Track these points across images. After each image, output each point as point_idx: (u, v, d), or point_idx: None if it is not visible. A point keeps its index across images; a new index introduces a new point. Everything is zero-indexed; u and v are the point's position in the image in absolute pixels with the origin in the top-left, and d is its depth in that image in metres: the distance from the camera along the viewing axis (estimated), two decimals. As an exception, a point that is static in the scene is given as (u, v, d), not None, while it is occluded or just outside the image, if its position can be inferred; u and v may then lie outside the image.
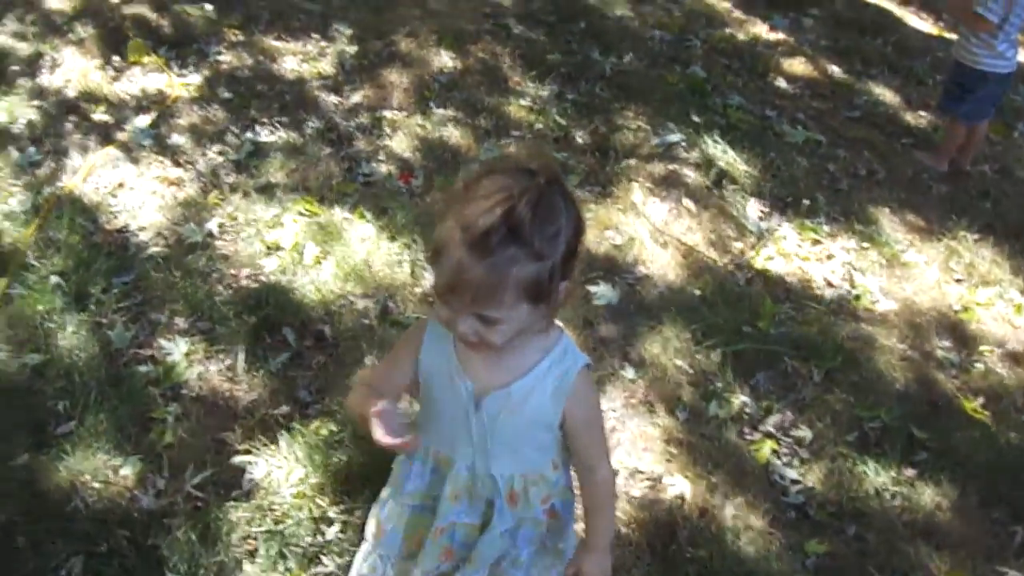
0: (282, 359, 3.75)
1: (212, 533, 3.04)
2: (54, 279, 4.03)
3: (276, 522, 3.09)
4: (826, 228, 4.88)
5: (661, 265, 4.46)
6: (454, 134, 5.34)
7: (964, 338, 4.30)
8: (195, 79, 5.71)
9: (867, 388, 3.90)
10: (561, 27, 6.58)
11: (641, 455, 3.48)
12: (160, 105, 5.42)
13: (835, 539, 3.27)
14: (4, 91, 5.47)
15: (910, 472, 3.54)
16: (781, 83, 6.41)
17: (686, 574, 3.07)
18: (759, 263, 4.58)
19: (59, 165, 4.89)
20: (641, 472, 3.40)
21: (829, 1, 7.73)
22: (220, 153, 5.05)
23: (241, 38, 6.14)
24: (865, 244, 4.81)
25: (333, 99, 5.59)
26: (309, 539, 3.05)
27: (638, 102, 5.73)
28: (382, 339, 3.83)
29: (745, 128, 5.61)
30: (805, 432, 3.67)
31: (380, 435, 1.85)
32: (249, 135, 5.20)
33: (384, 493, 2.38)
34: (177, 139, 5.15)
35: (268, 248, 4.34)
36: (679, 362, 3.90)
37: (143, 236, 4.41)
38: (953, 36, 6.15)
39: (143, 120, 5.28)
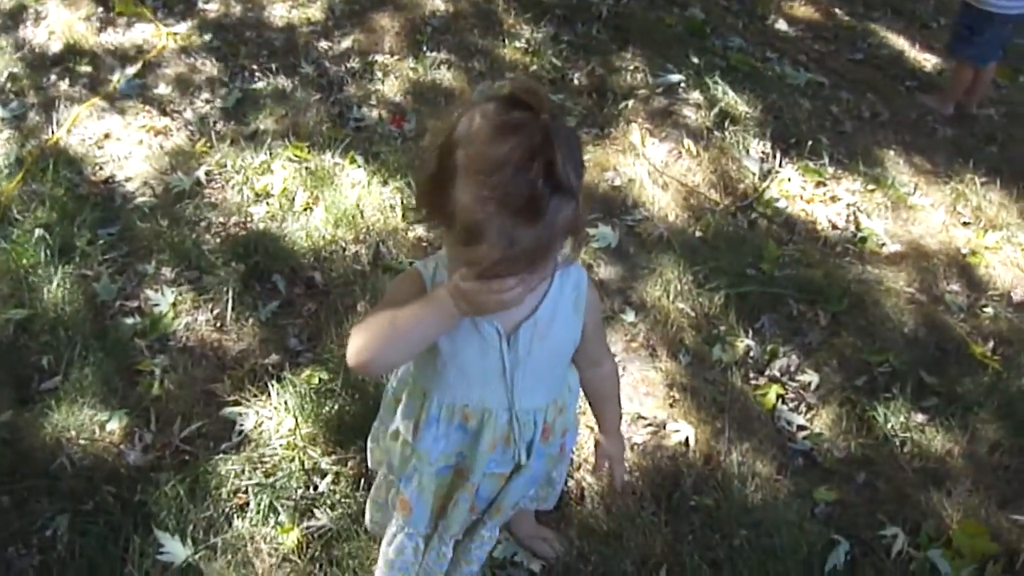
0: (272, 307, 3.67)
1: (201, 487, 2.98)
2: (38, 232, 3.94)
3: (267, 475, 3.02)
4: (830, 170, 4.78)
5: (661, 207, 4.37)
6: (447, 77, 5.23)
7: (972, 282, 4.22)
8: (182, 28, 5.60)
9: (874, 332, 3.83)
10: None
11: (643, 400, 3.40)
12: (147, 55, 5.30)
13: (844, 486, 3.20)
14: (-13, 45, 5.37)
15: (920, 418, 3.46)
16: (782, 25, 6.30)
17: (691, 523, 3.00)
18: (762, 205, 4.47)
19: (44, 118, 4.80)
20: (643, 418, 3.32)
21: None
22: (207, 102, 4.96)
23: (229, -15, 6.03)
24: (870, 186, 4.71)
25: (323, 44, 5.49)
26: (301, 491, 2.98)
27: (636, 44, 5.62)
28: (374, 285, 3.75)
29: (746, 70, 5.51)
30: (812, 377, 3.59)
31: (498, 295, 1.69)
32: (238, 83, 5.11)
33: (381, 429, 2.36)
34: (164, 89, 5.06)
35: (257, 195, 4.26)
36: (681, 305, 3.81)
37: (129, 186, 4.33)
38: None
39: (129, 71, 5.18)
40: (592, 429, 2.95)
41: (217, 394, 3.32)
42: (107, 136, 4.67)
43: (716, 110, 5.03)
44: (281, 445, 3.10)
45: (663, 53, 5.55)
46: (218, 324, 3.61)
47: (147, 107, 4.89)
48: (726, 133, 4.88)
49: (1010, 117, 5.66)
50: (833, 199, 4.60)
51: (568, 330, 2.02)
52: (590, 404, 2.41)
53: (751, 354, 3.66)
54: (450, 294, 1.71)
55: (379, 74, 5.23)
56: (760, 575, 2.88)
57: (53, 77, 5.13)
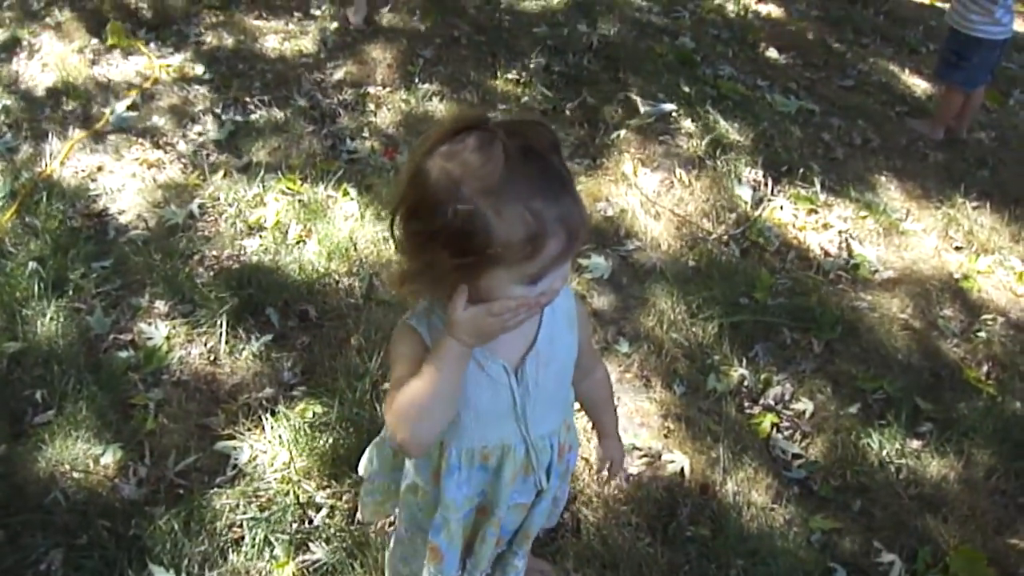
0: (265, 340, 3.66)
1: (196, 521, 2.96)
2: (32, 265, 3.94)
3: (261, 508, 3.00)
4: (822, 197, 4.79)
5: (654, 236, 4.38)
6: (439, 108, 5.26)
7: (966, 307, 4.22)
8: (175, 60, 5.63)
9: (868, 359, 3.83)
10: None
11: (638, 431, 3.39)
12: (140, 88, 5.31)
13: (840, 514, 3.19)
14: (-20, 78, 5.38)
15: (915, 444, 3.46)
16: (772, 53, 6.35)
17: (687, 553, 2.99)
18: (754, 233, 4.47)
19: (37, 150, 4.81)
20: (638, 449, 3.31)
21: (819, -30, 7.64)
22: (201, 134, 4.97)
23: (221, 18, 6.08)
24: (862, 212, 4.73)
25: (315, 76, 5.52)
26: (296, 525, 2.96)
27: (627, 74, 5.64)
28: (368, 318, 3.75)
29: (736, 98, 5.54)
30: (806, 405, 3.59)
31: (520, 312, 1.71)
32: (231, 115, 5.12)
33: (379, 485, 2.34)
34: (157, 121, 5.07)
35: (250, 228, 4.26)
36: (674, 335, 3.81)
37: (123, 219, 4.33)
38: (945, 5, 6.08)
39: (122, 103, 5.19)
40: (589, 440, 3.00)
41: (211, 428, 3.30)
42: (100, 169, 4.68)
43: (707, 139, 5.05)
44: (276, 479, 3.09)
45: (654, 83, 5.58)
46: (212, 358, 3.59)
47: (140, 140, 4.90)
48: (718, 162, 4.90)
49: (1000, 141, 5.69)
50: (825, 226, 4.60)
51: (567, 349, 2.02)
52: (587, 412, 2.44)
53: (745, 383, 3.65)
54: (451, 333, 1.71)
55: (371, 106, 5.25)
56: (757, 605, 2.88)
57: (47, 110, 5.16)
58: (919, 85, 6.20)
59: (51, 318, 3.69)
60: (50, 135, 4.89)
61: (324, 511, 3.00)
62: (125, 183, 4.56)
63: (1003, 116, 6.00)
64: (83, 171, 4.66)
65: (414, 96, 5.32)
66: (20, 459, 3.15)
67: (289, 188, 4.48)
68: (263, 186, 4.51)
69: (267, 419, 3.29)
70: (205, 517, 2.97)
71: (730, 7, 6.87)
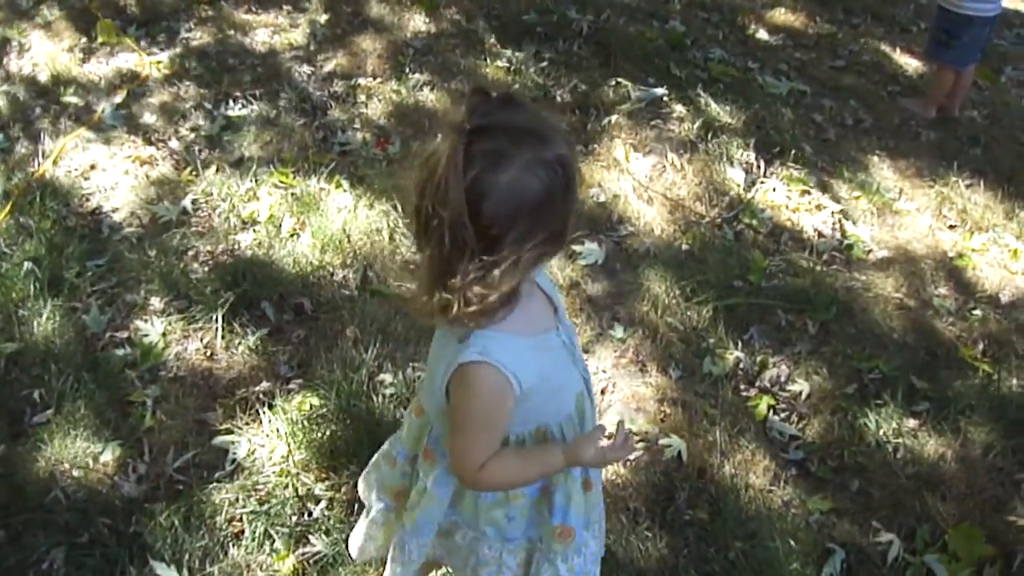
0: (261, 334, 3.66)
1: (196, 516, 2.97)
2: (27, 265, 3.95)
3: (261, 502, 3.01)
4: (815, 178, 4.78)
5: (647, 221, 4.38)
6: (430, 98, 5.25)
7: (960, 285, 4.22)
8: (165, 57, 5.61)
9: (864, 339, 3.84)
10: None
11: (634, 416, 3.40)
12: (130, 85, 5.31)
13: (838, 495, 3.20)
14: (-30, 78, 5.37)
15: (912, 423, 3.47)
16: (763, 35, 6.33)
17: (686, 537, 3.00)
18: (748, 215, 4.48)
19: (29, 150, 4.81)
20: (635, 434, 3.32)
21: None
22: (192, 129, 4.96)
23: (211, 13, 6.06)
24: (855, 193, 4.73)
25: (306, 69, 5.50)
26: (295, 518, 2.97)
27: (617, 59, 5.63)
28: (363, 309, 3.76)
29: (727, 81, 5.53)
30: (802, 386, 3.59)
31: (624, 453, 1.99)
32: (222, 110, 5.11)
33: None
34: (149, 118, 5.07)
35: (244, 222, 4.26)
36: (669, 319, 3.82)
37: (116, 217, 4.33)
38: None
39: (113, 101, 5.19)
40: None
41: (209, 423, 3.31)
42: (93, 167, 4.68)
43: (699, 122, 5.05)
44: (274, 472, 3.10)
45: (645, 67, 5.57)
46: (208, 353, 3.60)
47: (132, 137, 4.90)
48: (709, 145, 4.89)
49: (992, 119, 5.67)
50: (818, 207, 4.60)
51: (560, 299, 2.04)
52: None
53: (741, 366, 3.66)
54: (571, 462, 1.93)
55: (362, 97, 5.24)
56: (756, 587, 2.89)
57: (38, 109, 5.15)
58: (910, 64, 6.18)
59: (47, 318, 3.70)
60: (42, 134, 4.88)
61: (323, 503, 3.01)
62: (118, 181, 4.56)
63: (995, 93, 5.98)
64: (76, 170, 4.65)
65: (405, 86, 5.31)
66: (20, 459, 3.16)
67: (282, 182, 4.47)
68: (256, 180, 4.50)
69: (265, 413, 3.30)
70: (205, 512, 2.98)
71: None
